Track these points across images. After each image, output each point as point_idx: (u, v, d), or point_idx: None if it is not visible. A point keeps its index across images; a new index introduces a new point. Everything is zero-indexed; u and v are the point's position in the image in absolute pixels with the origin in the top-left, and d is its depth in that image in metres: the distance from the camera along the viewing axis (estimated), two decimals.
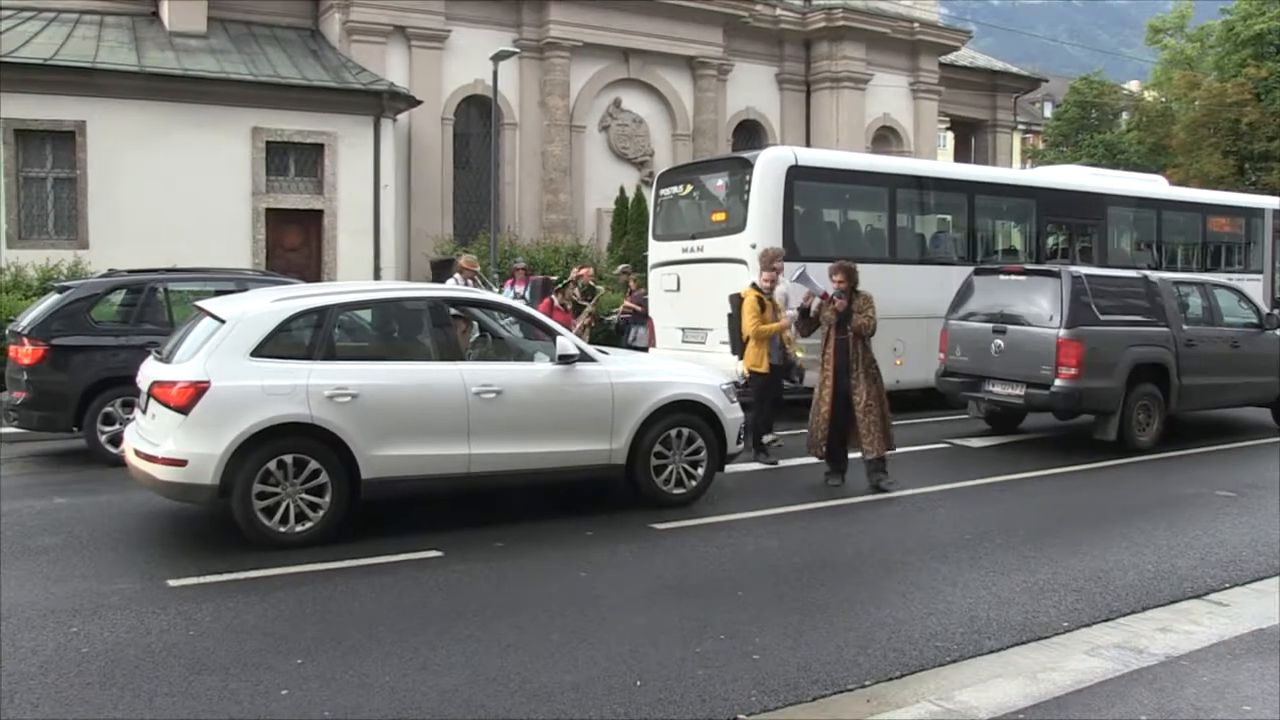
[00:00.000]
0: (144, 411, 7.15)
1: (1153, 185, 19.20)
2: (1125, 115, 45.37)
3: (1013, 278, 11.90)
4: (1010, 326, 11.28)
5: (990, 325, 11.45)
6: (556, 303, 13.43)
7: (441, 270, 15.72)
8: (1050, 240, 16.87)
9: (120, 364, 9.57)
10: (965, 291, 12.15)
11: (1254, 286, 17.71)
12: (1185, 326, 11.75)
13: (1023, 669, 4.91)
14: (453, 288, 13.21)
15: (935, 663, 5.04)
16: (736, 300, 10.70)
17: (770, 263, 10.58)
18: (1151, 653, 5.08)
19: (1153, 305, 11.59)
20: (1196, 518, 8.19)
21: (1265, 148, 35.77)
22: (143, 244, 17.59)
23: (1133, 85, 52.39)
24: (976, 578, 6.46)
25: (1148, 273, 12.48)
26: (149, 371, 7.25)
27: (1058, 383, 10.76)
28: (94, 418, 10.00)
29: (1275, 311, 13.74)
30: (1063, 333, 10.77)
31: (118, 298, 10.72)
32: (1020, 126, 46.41)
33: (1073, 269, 11.52)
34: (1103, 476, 10.13)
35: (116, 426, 9.84)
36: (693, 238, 14.22)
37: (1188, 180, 31.50)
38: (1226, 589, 6.27)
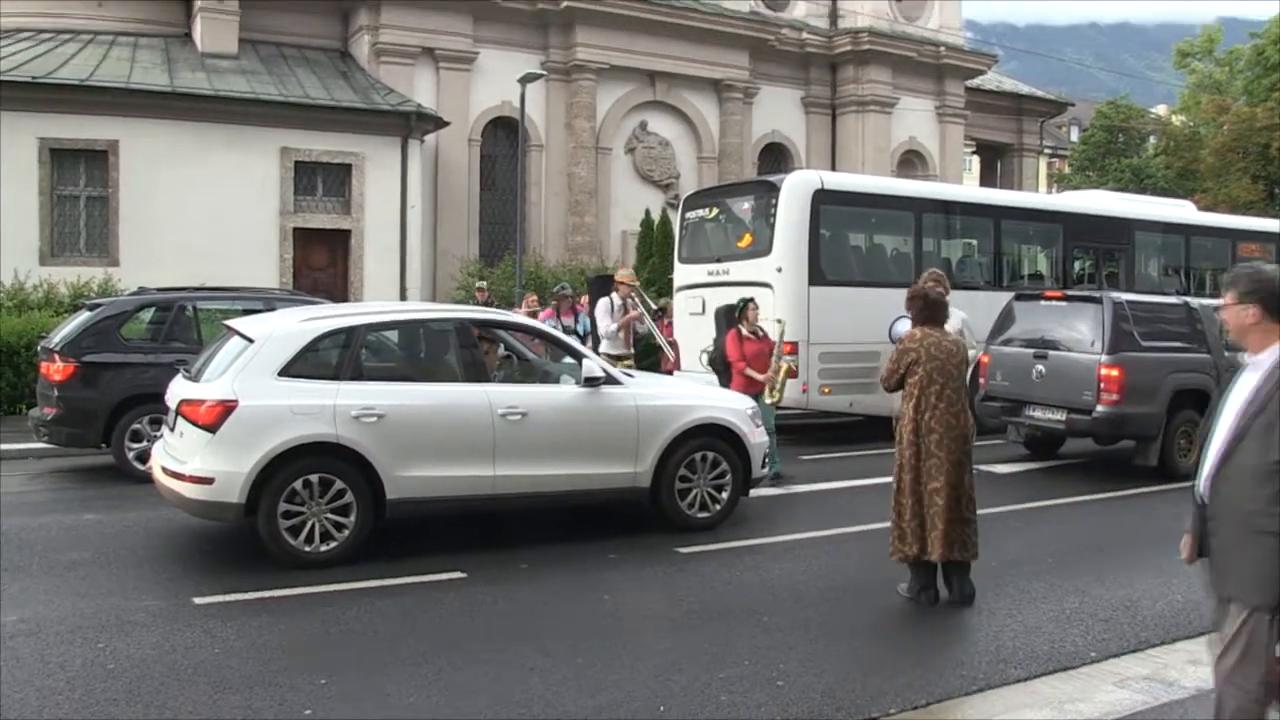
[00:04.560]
0: (172, 429, 7.21)
1: (1181, 210, 19.06)
2: (1152, 139, 45.13)
3: (1054, 303, 11.87)
4: (1051, 352, 11.23)
5: (1031, 350, 11.40)
6: (745, 331, 10.51)
7: (601, 286, 15.10)
8: (1077, 265, 16.77)
9: (149, 381, 9.65)
10: (1006, 317, 12.11)
11: None
12: (1227, 353, 11.67)
13: (1049, 699, 4.86)
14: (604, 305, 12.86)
15: (961, 691, 4.99)
16: None
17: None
18: (1182, 685, 5.02)
19: (1194, 331, 11.52)
20: None
21: None
22: (172, 262, 17.76)
23: (1160, 109, 52.20)
24: (1002, 605, 6.41)
25: (1189, 299, 12.40)
26: (177, 389, 7.31)
27: (1099, 408, 10.69)
28: (122, 434, 10.08)
29: None
30: (1105, 358, 10.71)
31: (147, 315, 10.81)
32: (1046, 150, 46.27)
33: (1114, 294, 11.46)
34: (1133, 504, 10.03)
35: (144, 443, 9.90)
36: (718, 261, 14.21)
37: (1216, 205, 31.26)
38: None
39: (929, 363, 6.36)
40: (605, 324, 12.61)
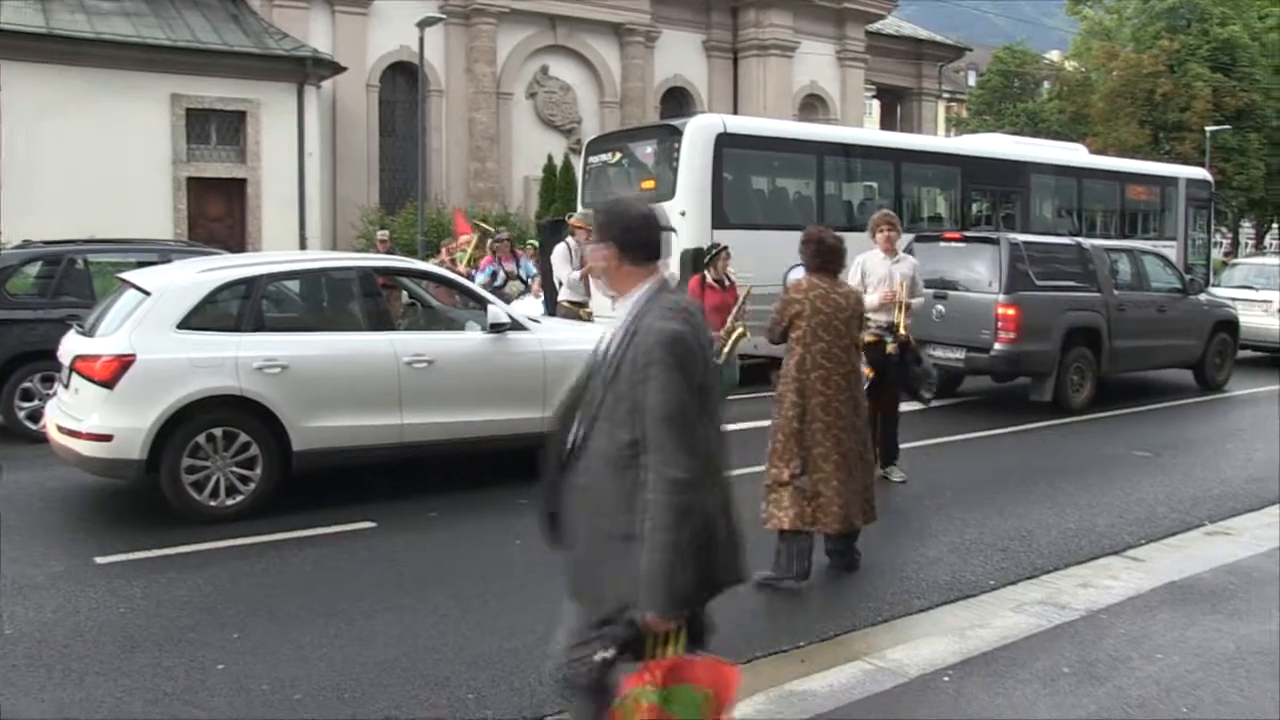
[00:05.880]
0: (66, 386, 7.00)
1: (1073, 154, 19.60)
2: (1046, 85, 46.07)
3: (952, 244, 12.14)
4: (951, 292, 11.50)
5: (931, 291, 11.62)
6: (710, 279, 9.89)
7: (553, 232, 14.14)
8: (975, 207, 17.15)
9: (39, 338, 9.32)
10: None
11: (1168, 253, 18.21)
12: (1116, 291, 12.10)
13: (951, 627, 5.04)
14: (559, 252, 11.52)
15: (867, 623, 5.15)
16: None
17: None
18: (1073, 608, 5.25)
19: (1085, 271, 11.93)
20: (1115, 477, 8.45)
21: (1178, 118, 36.68)
22: (58, 215, 16.99)
23: (1054, 55, 53.16)
24: (906, 540, 6.61)
25: (1081, 239, 12.79)
26: (71, 345, 7.09)
27: (997, 346, 11.05)
28: (12, 394, 9.73)
29: (1197, 277, 14.18)
30: (1001, 298, 11.05)
31: (34, 270, 10.42)
32: (945, 95, 46.86)
33: (1010, 236, 11.78)
34: (1028, 439, 10.37)
35: (36, 402, 9.59)
36: None
37: (1106, 149, 32.13)
38: (1142, 545, 6.51)
39: (813, 317, 5.68)
40: (565, 270, 11.26)
